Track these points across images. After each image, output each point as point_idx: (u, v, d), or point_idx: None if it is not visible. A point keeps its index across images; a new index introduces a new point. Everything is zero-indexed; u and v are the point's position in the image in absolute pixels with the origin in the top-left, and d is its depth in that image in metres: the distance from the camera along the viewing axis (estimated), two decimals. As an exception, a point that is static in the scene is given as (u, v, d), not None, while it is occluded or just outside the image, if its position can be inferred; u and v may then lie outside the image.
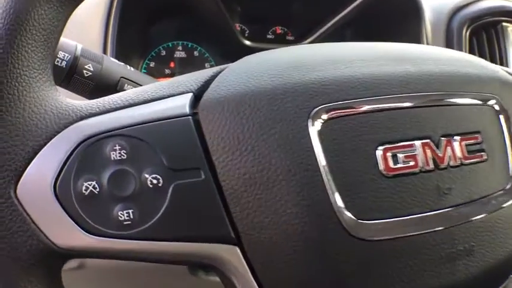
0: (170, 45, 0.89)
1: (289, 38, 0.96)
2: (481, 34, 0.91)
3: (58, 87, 0.37)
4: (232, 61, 0.39)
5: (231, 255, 0.33)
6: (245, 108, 0.34)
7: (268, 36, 0.95)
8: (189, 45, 0.90)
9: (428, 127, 0.36)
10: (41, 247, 0.31)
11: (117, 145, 0.32)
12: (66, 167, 0.32)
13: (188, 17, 0.86)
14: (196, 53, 0.90)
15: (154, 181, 0.32)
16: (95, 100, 0.35)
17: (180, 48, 0.90)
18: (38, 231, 0.31)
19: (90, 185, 0.32)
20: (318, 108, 0.34)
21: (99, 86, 0.49)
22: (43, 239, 0.31)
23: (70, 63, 0.47)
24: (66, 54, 0.47)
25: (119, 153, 0.32)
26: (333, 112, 0.34)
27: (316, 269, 0.33)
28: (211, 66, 0.91)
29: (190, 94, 0.36)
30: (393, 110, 0.35)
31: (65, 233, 0.31)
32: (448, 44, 0.89)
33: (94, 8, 0.76)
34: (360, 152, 0.34)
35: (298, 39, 0.95)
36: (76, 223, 0.31)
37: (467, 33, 0.89)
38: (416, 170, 0.35)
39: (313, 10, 0.92)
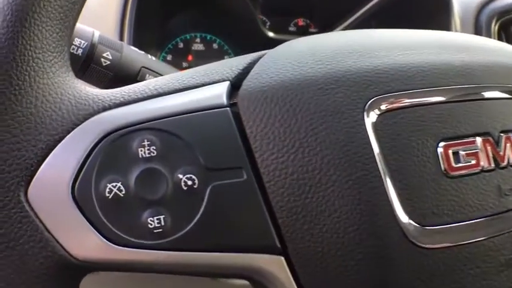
0: (188, 37, 0.86)
1: (312, 30, 0.94)
2: (509, 28, 0.90)
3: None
4: None
5: (274, 266, 0.30)
6: (291, 98, 0.31)
7: (290, 29, 0.92)
8: (208, 38, 0.87)
9: (488, 122, 0.34)
10: (56, 259, 0.28)
11: (145, 140, 0.29)
12: (86, 165, 0.28)
13: (207, 7, 0.83)
14: (215, 46, 0.87)
15: (189, 182, 0.29)
16: (118, 89, 0.32)
17: (198, 40, 0.87)
18: (52, 241, 0.28)
19: (114, 187, 0.28)
20: (373, 99, 0.31)
21: (118, 76, 0.45)
22: (59, 250, 0.28)
23: (87, 51, 0.44)
24: (83, 41, 0.43)
25: (148, 149, 0.29)
26: (390, 104, 0.32)
27: (373, 280, 0.30)
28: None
29: (227, 82, 0.32)
30: (452, 102, 0.33)
31: (84, 243, 0.28)
32: (477, 38, 0.87)
33: (109, -3, 0.74)
34: (421, 149, 0.31)
35: (322, 32, 0.91)
36: (98, 231, 0.28)
37: (496, 27, 0.88)
38: (478, 169, 0.33)
39: (336, 1, 0.90)
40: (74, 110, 0.29)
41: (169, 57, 0.85)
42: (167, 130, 0.29)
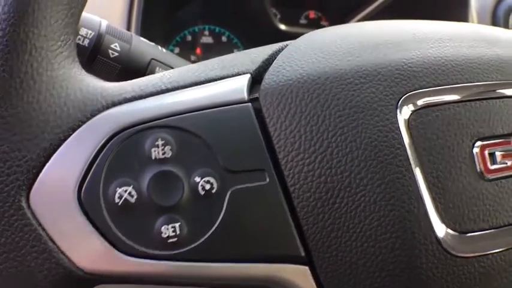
0: (196, 29, 0.85)
1: (324, 23, 0.92)
2: (527, 23, 0.89)
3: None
4: None
5: (298, 277, 0.28)
6: (319, 94, 0.29)
7: (301, 21, 0.91)
8: (217, 30, 0.86)
9: None
10: (61, 272, 0.26)
11: (159, 139, 0.27)
12: (93, 167, 0.26)
13: (217, -1, 0.82)
14: (224, 38, 0.86)
15: (207, 186, 0.27)
16: (129, 82, 0.30)
17: (206, 33, 0.85)
18: (56, 252, 0.26)
19: (125, 192, 0.26)
20: (406, 95, 0.30)
21: (127, 69, 0.43)
22: (64, 262, 0.26)
23: (94, 42, 0.41)
24: (89, 31, 0.41)
25: (162, 149, 0.27)
26: (425, 100, 0.30)
27: None
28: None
29: (248, 75, 0.30)
30: (489, 99, 0.32)
31: (92, 253, 0.26)
32: (495, 33, 0.86)
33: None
34: (456, 150, 0.30)
35: (334, 25, 0.89)
36: (106, 240, 0.26)
37: (514, 22, 0.87)
38: None
39: (350, -7, 0.88)
40: (80, 106, 0.27)
41: (176, 50, 0.83)
42: (183, 128, 0.27)
